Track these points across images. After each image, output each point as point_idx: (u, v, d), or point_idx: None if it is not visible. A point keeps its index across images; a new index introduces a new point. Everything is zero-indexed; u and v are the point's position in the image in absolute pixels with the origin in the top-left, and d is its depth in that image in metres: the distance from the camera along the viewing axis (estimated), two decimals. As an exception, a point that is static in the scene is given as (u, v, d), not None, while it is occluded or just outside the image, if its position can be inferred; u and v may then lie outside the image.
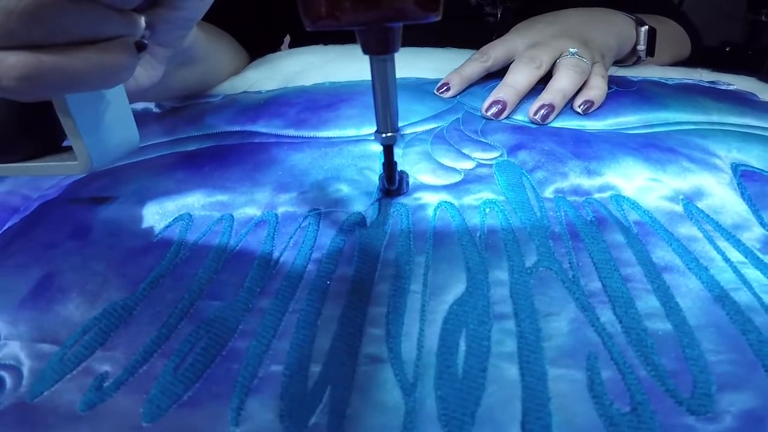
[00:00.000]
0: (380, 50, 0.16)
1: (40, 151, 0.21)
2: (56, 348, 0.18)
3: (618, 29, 0.35)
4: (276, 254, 0.21)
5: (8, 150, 0.20)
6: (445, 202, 0.22)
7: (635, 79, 0.34)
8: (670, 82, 0.34)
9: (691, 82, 0.34)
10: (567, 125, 0.29)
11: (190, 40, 0.28)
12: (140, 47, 0.17)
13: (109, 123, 0.19)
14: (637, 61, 0.37)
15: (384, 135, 0.19)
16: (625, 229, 0.20)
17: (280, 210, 0.23)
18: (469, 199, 0.22)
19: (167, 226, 0.23)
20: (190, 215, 0.23)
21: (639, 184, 0.22)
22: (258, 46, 0.45)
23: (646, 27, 0.35)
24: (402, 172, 0.23)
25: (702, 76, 0.35)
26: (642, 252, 0.19)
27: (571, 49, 0.31)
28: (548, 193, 0.22)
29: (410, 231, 0.21)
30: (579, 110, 0.29)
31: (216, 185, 0.25)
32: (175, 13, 0.20)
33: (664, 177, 0.23)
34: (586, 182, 0.23)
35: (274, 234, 0.22)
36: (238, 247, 0.21)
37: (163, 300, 0.19)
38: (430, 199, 0.22)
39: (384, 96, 0.18)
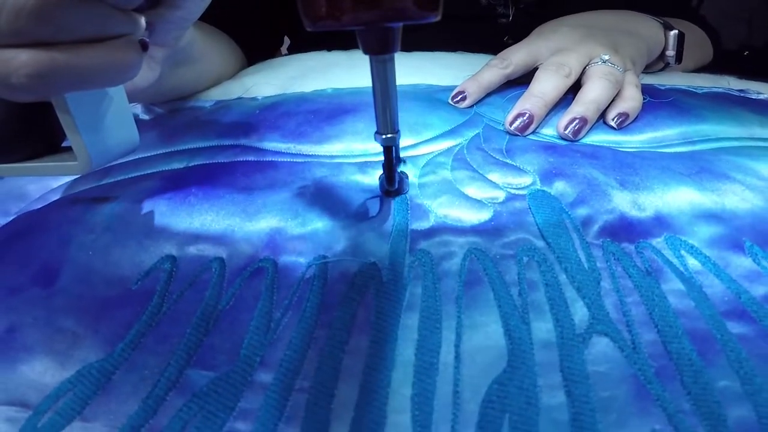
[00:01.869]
0: (380, 50, 0.16)
1: (40, 151, 0.20)
2: (27, 413, 0.15)
3: (647, 33, 0.32)
4: (276, 314, 0.17)
5: (8, 150, 0.20)
6: (475, 249, 0.19)
7: (663, 88, 0.31)
8: (699, 91, 0.31)
9: (720, 90, 0.31)
10: (600, 140, 0.26)
11: (186, 40, 0.27)
12: (144, 46, 0.17)
13: (109, 123, 0.19)
14: (664, 68, 0.34)
15: (384, 136, 0.18)
16: (687, 280, 0.17)
17: (280, 258, 0.20)
18: (503, 245, 0.19)
19: (147, 272, 0.20)
20: (174, 258, 0.20)
21: (696, 223, 0.20)
22: (256, 47, 0.42)
23: (676, 31, 0.32)
24: (401, 173, 0.22)
25: (730, 83, 0.32)
26: (709, 308, 0.16)
27: (603, 56, 0.28)
28: (593, 235, 0.19)
29: (436, 288, 0.17)
30: (613, 124, 0.26)
31: (204, 218, 0.22)
32: (174, 13, 0.20)
33: (723, 213, 0.20)
34: (636, 220, 0.20)
35: (272, 288, 0.18)
36: (230, 303, 0.18)
37: (146, 365, 0.16)
38: (457, 244, 0.19)
39: (384, 97, 0.17)
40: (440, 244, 0.19)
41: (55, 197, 0.25)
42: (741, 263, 0.18)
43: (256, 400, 0.15)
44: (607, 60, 0.27)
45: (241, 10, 0.41)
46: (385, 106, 0.18)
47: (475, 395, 0.14)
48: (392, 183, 0.21)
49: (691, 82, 0.32)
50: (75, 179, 0.26)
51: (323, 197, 0.22)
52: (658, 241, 0.19)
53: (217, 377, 0.16)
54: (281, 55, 0.49)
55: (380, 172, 0.21)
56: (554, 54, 0.29)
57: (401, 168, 0.22)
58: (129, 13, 0.16)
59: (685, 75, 0.33)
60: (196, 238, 0.21)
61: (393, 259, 0.19)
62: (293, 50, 0.49)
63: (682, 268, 0.18)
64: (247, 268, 0.19)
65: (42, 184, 0.26)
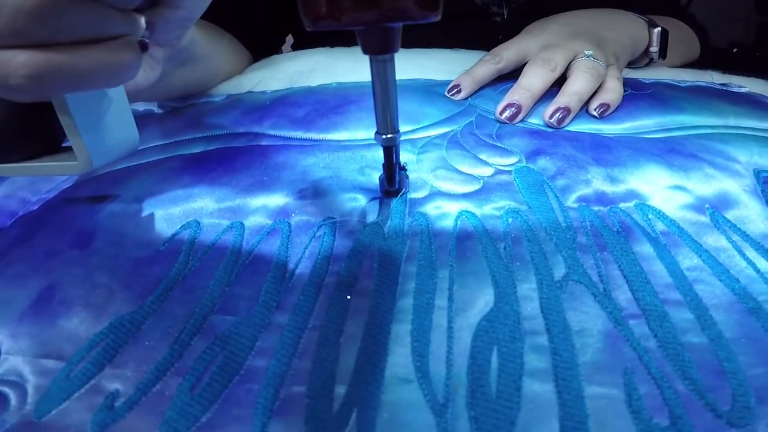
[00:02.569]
0: (380, 50, 0.16)
1: (40, 152, 0.20)
2: (61, 364, 0.17)
3: (631, 31, 0.35)
4: (291, 266, 0.20)
5: (8, 150, 0.20)
6: (466, 211, 0.21)
7: (647, 81, 0.34)
8: (682, 84, 0.34)
9: (703, 84, 0.34)
10: (583, 129, 0.28)
11: (187, 40, 0.27)
12: (143, 47, 0.17)
13: (109, 123, 0.19)
14: (649, 63, 0.37)
15: (384, 136, 0.19)
16: (653, 239, 0.20)
17: (293, 218, 0.22)
18: (491, 208, 0.21)
19: (174, 234, 0.22)
20: (198, 222, 0.22)
21: (663, 192, 0.22)
22: (259, 45, 0.44)
23: (659, 28, 0.35)
24: (401, 172, 0.23)
25: (713, 78, 0.35)
26: (672, 263, 0.19)
27: (586, 51, 0.30)
28: (571, 201, 0.22)
29: (431, 242, 0.20)
30: (595, 113, 0.29)
31: (224, 191, 0.24)
32: (174, 13, 0.20)
33: (688, 184, 0.22)
34: (610, 190, 0.22)
35: (287, 244, 0.21)
36: (250, 258, 0.20)
37: (173, 314, 0.18)
38: (451, 208, 0.22)
39: (384, 97, 0.18)
40: (435, 207, 0.22)
41: (80, 179, 0.27)
42: (702, 226, 0.20)
43: (272, 339, 0.17)
44: (590, 55, 0.30)
45: (244, 10, 0.42)
46: (385, 106, 0.18)
47: (467, 331, 0.16)
48: (392, 183, 0.21)
49: (675, 76, 0.34)
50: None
51: (332, 173, 0.24)
52: (628, 206, 0.21)
53: (238, 321, 0.18)
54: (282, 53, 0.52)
55: (379, 173, 0.22)
56: (542, 50, 0.31)
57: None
58: (128, 13, 0.16)
59: (671, 69, 0.36)
60: (219, 207, 0.23)
61: (393, 219, 0.21)
62: (297, 48, 0.51)
63: (649, 230, 0.20)
64: (265, 228, 0.22)
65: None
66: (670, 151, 0.24)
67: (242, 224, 0.22)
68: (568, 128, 0.28)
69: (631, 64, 0.36)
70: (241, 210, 0.23)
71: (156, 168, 0.26)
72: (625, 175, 0.23)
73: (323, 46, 0.41)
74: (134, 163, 0.28)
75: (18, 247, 0.22)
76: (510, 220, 0.21)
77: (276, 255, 0.20)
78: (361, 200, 0.23)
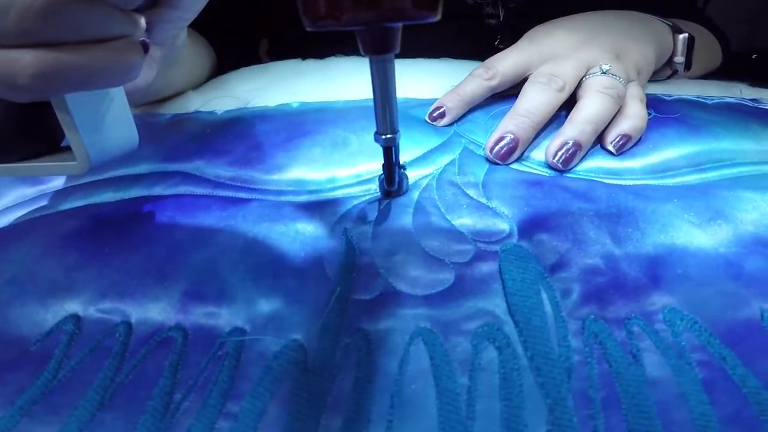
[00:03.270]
0: (380, 50, 0.16)
1: (39, 151, 0.20)
2: None
3: (654, 37, 0.27)
4: (177, 396, 0.15)
5: (7, 150, 0.20)
6: (425, 330, 0.15)
7: (670, 99, 0.27)
8: (709, 102, 0.27)
9: (733, 101, 0.27)
10: (595, 168, 0.22)
11: (182, 39, 0.26)
12: (145, 47, 0.17)
13: (108, 123, 0.19)
14: (672, 75, 0.29)
15: (384, 137, 0.18)
16: (682, 371, 0.13)
17: (192, 326, 0.16)
18: (461, 320, 0.15)
19: (47, 333, 0.17)
20: (78, 318, 0.17)
21: (705, 293, 0.15)
22: (228, 50, 0.40)
23: (685, 35, 0.27)
24: (401, 173, 0.21)
25: (742, 92, 0.27)
26: (705, 414, 0.12)
27: (603, 65, 0.23)
28: (573, 306, 0.15)
29: (369, 383, 0.14)
30: (612, 149, 0.22)
31: (116, 276, 0.18)
32: (172, 12, 0.20)
33: (741, 276, 0.16)
34: (632, 288, 0.16)
35: (177, 363, 0.15)
36: (130, 377, 0.15)
37: None
38: (405, 320, 0.15)
39: (384, 97, 0.17)
40: (384, 318, 0.16)
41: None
42: (758, 342, 0.14)
43: None
44: (607, 70, 0.23)
45: (215, 12, 0.38)
46: (384, 106, 0.18)
47: None
48: (392, 183, 0.20)
49: (701, 91, 0.27)
50: None
51: (257, 253, 0.19)
52: (655, 317, 0.15)
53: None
54: (258, 59, 0.46)
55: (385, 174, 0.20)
56: (547, 62, 0.24)
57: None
58: (129, 13, 0.16)
59: (695, 83, 0.29)
60: (104, 296, 0.18)
61: (323, 339, 0.15)
62: (272, 54, 0.45)
63: (679, 353, 0.14)
64: (154, 336, 0.16)
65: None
66: (715, 218, 0.18)
67: (129, 326, 0.17)
68: (577, 169, 0.22)
69: (651, 77, 0.29)
70: (132, 303, 0.17)
71: (46, 231, 0.21)
72: (655, 262, 0.16)
73: (299, 52, 0.35)
74: (36, 215, 0.23)
75: None
76: (483, 345, 0.15)
77: (163, 378, 0.15)
78: (286, 298, 0.17)
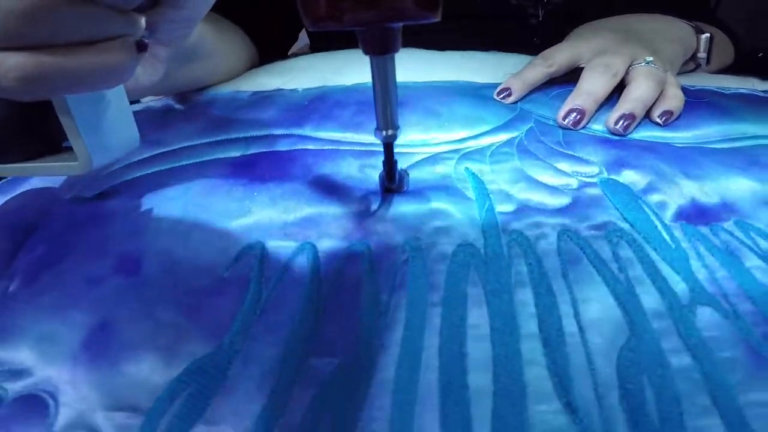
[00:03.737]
0: (380, 50, 0.16)
1: (40, 152, 0.20)
2: (139, 418, 0.14)
3: (682, 37, 0.34)
4: (383, 296, 0.17)
5: (8, 150, 0.20)
6: (568, 230, 0.20)
7: (693, 89, 0.33)
8: (726, 92, 0.33)
9: (746, 91, 0.33)
10: (650, 137, 0.27)
11: (194, 38, 0.26)
12: (141, 47, 0.16)
13: (109, 122, 0.19)
14: (695, 69, 0.36)
15: (384, 133, 0.19)
16: (763, 257, 0.19)
17: (373, 239, 0.20)
18: (591, 227, 0.20)
19: (236, 259, 0.19)
20: (262, 243, 0.20)
21: (759, 209, 0.21)
22: (269, 43, 0.42)
23: (707, 35, 0.34)
24: (402, 170, 0.22)
25: (755, 85, 0.34)
26: None
27: (647, 58, 0.29)
28: (669, 218, 0.20)
29: (541, 265, 0.18)
30: (659, 121, 0.28)
31: (285, 204, 0.21)
32: (177, 12, 0.20)
33: None
34: (707, 206, 0.21)
35: (372, 270, 0.18)
36: (334, 287, 0.18)
37: (262, 357, 0.16)
38: (548, 225, 0.20)
39: (384, 95, 0.18)
40: (532, 225, 0.20)
41: (108, 182, 0.24)
42: None
43: (387, 384, 0.15)
44: (650, 61, 0.29)
45: (254, 5, 0.40)
46: (385, 103, 0.18)
47: (608, 362, 0.15)
48: (392, 179, 0.21)
49: (718, 83, 0.34)
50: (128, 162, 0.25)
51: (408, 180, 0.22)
52: (728, 225, 0.20)
53: (341, 363, 0.15)
54: (295, 54, 0.49)
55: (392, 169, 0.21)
56: (598, 55, 0.30)
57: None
58: (127, 13, 0.16)
59: (713, 76, 0.36)
60: (282, 222, 0.20)
61: (488, 239, 0.19)
62: (314, 47, 0.48)
63: (756, 248, 0.19)
64: (340, 251, 0.19)
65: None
66: (753, 164, 0.24)
67: (314, 246, 0.19)
68: (635, 136, 0.27)
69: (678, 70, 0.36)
70: (309, 227, 0.20)
71: (198, 174, 0.23)
72: (717, 189, 0.22)
73: (340, 46, 0.39)
74: (168, 166, 0.25)
75: (48, 271, 0.19)
76: (615, 239, 0.19)
77: (364, 283, 0.18)
78: (442, 217, 0.21)
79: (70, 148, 0.18)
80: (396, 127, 0.19)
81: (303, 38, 0.52)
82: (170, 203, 0.21)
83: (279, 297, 0.18)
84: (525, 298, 0.17)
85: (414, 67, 0.34)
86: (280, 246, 0.20)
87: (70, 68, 0.14)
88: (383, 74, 0.17)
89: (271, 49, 0.42)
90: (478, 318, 0.16)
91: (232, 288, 0.18)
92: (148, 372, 0.15)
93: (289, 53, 0.49)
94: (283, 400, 0.14)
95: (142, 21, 0.17)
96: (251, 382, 0.15)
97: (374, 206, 0.21)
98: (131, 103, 0.21)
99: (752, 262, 0.18)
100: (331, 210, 0.21)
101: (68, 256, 0.19)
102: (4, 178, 0.25)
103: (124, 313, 0.17)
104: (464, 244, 0.19)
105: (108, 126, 0.19)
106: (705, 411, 0.14)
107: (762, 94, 0.32)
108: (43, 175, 0.23)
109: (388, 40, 0.16)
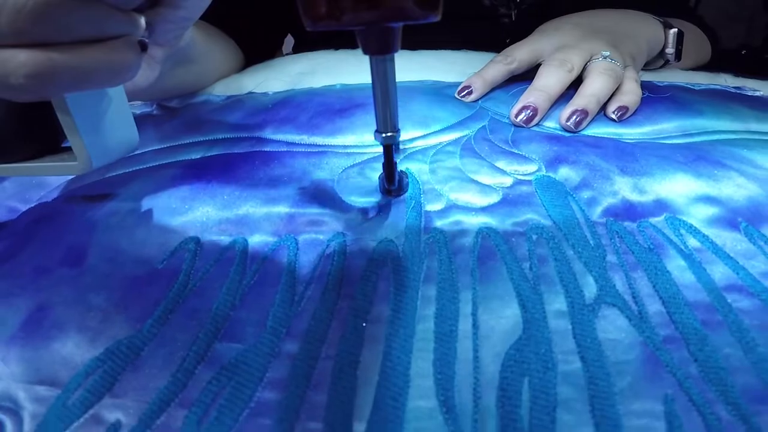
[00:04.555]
0: (380, 50, 0.16)
1: (40, 152, 0.20)
2: (56, 391, 0.16)
3: (647, 31, 0.33)
4: (300, 287, 0.18)
5: (8, 150, 0.20)
6: (487, 227, 0.20)
7: (662, 84, 0.33)
8: (697, 87, 0.32)
9: (718, 87, 0.32)
10: (601, 133, 0.27)
11: (186, 40, 0.27)
12: (143, 47, 0.17)
13: (109, 123, 0.19)
14: (664, 65, 0.35)
15: (384, 135, 0.19)
16: (687, 256, 0.18)
17: (300, 235, 0.21)
18: (513, 223, 0.20)
19: (172, 252, 0.20)
20: (198, 238, 0.21)
21: (694, 205, 0.21)
22: (254, 47, 0.43)
23: (675, 30, 0.33)
24: (401, 172, 0.22)
25: (726, 81, 0.33)
26: (709, 282, 0.17)
27: (604, 52, 0.29)
28: (597, 215, 0.20)
29: (451, 262, 0.18)
30: (613, 116, 0.27)
31: (225, 203, 0.22)
32: (174, 12, 0.20)
33: (720, 196, 0.21)
34: (638, 202, 0.21)
35: (295, 263, 0.19)
36: (255, 278, 0.19)
37: (175, 340, 0.17)
38: (470, 223, 0.20)
39: (384, 96, 0.17)
40: (453, 223, 0.20)
41: (74, 186, 0.26)
42: (737, 242, 0.19)
43: (283, 369, 0.16)
44: (607, 56, 0.29)
45: (240, 10, 0.41)
46: (385, 105, 0.18)
47: (494, 360, 0.15)
48: (392, 181, 0.21)
49: (689, 79, 0.33)
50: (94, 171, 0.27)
51: (341, 184, 0.23)
52: (658, 221, 0.20)
53: (245, 349, 0.16)
54: (282, 56, 0.50)
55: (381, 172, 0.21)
56: (557, 50, 0.30)
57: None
58: (128, 13, 0.16)
59: (684, 72, 0.35)
60: (219, 220, 0.22)
61: (409, 236, 0.20)
62: (298, 50, 0.49)
63: (682, 246, 0.19)
64: (269, 245, 0.20)
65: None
66: (697, 159, 0.23)
67: (245, 240, 0.21)
68: (586, 132, 0.27)
69: (646, 66, 0.35)
70: (244, 224, 0.21)
71: (153, 176, 0.25)
72: (652, 186, 0.22)
73: (325, 48, 0.40)
74: (130, 169, 0.26)
75: (6, 263, 0.21)
76: (534, 236, 0.19)
77: (283, 275, 0.19)
78: (371, 213, 0.21)
79: (69, 148, 0.19)
80: (396, 129, 0.18)
81: (290, 41, 0.54)
82: (122, 203, 0.23)
83: (203, 287, 0.19)
84: (429, 293, 0.17)
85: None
86: (214, 240, 0.21)
87: (78, 65, 0.15)
88: (383, 75, 0.17)
89: (256, 53, 0.43)
90: (379, 312, 0.17)
91: (162, 278, 0.19)
92: (72, 351, 0.17)
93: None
94: (184, 379, 0.16)
95: (142, 21, 0.17)
96: (159, 362, 0.16)
97: (318, 204, 0.22)
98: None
99: (674, 261, 0.18)
100: (267, 208, 0.22)
101: (24, 250, 0.21)
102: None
103: (59, 299, 0.19)
104: (385, 241, 0.20)
105: (107, 126, 0.19)
106: (580, 420, 0.14)
107: (732, 90, 0.31)
108: (42, 175, 0.24)
109: (388, 40, 0.15)
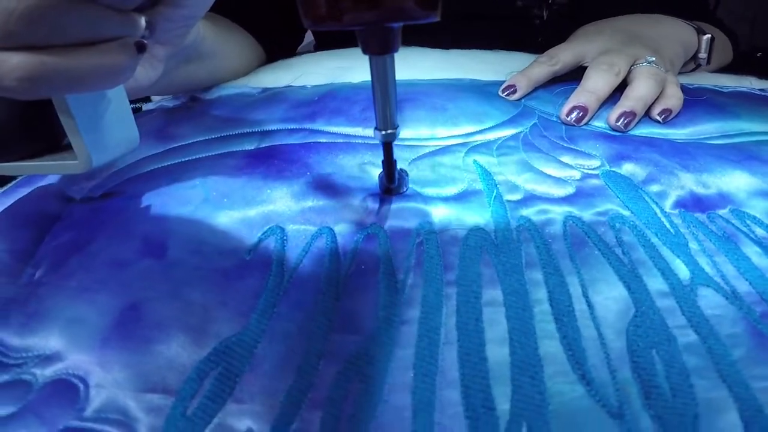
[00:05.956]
0: (380, 50, 0.16)
1: (41, 150, 0.20)
2: (170, 399, 0.15)
3: (683, 37, 0.35)
4: (400, 275, 0.18)
5: (8, 149, 0.20)
6: (573, 216, 0.21)
7: (692, 87, 0.35)
8: (724, 90, 0.34)
9: (744, 90, 0.35)
10: (649, 132, 0.28)
11: (192, 37, 0.27)
12: (140, 47, 0.16)
13: (109, 122, 0.19)
14: (695, 69, 0.37)
15: (383, 132, 0.19)
16: (758, 242, 0.20)
17: (387, 223, 0.21)
18: (595, 213, 0.21)
19: (259, 241, 0.20)
20: (282, 228, 0.21)
21: (754, 199, 0.22)
22: (274, 43, 0.42)
23: (709, 35, 0.36)
24: (401, 170, 0.22)
25: (752, 83, 0.36)
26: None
27: (649, 57, 0.30)
28: (669, 207, 0.22)
29: (548, 248, 0.19)
30: (658, 118, 0.29)
31: (302, 192, 0.22)
32: (176, 12, 0.20)
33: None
34: (704, 195, 0.22)
35: (389, 251, 0.19)
36: (352, 268, 0.19)
37: (288, 335, 0.17)
38: (554, 212, 0.21)
39: (384, 94, 0.18)
40: (539, 212, 0.21)
41: (128, 175, 0.24)
42: None
43: (407, 358, 0.16)
44: (652, 61, 0.30)
45: (260, 5, 0.41)
46: (384, 103, 0.18)
47: (618, 336, 0.16)
48: (392, 180, 0.21)
49: (716, 82, 0.35)
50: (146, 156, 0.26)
51: (417, 171, 0.23)
52: (724, 212, 0.21)
53: (364, 340, 0.16)
54: (300, 53, 0.50)
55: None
56: (602, 54, 0.31)
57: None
58: (126, 13, 0.16)
59: (711, 75, 0.37)
60: (300, 209, 0.21)
61: (498, 224, 0.20)
62: (320, 47, 0.49)
63: (752, 235, 0.20)
64: (357, 234, 0.20)
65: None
66: (749, 158, 0.25)
67: (332, 230, 0.20)
68: (633, 132, 0.28)
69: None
70: (326, 213, 0.21)
71: (216, 164, 0.24)
72: (714, 181, 0.23)
73: (348, 44, 0.39)
74: (185, 159, 0.25)
75: (75, 255, 0.20)
76: (618, 225, 0.20)
77: (381, 264, 0.19)
78: (452, 203, 0.22)
79: (69, 147, 0.19)
80: (395, 127, 0.19)
81: (308, 36, 0.53)
82: (190, 192, 0.22)
83: (300, 278, 0.18)
84: (535, 277, 0.18)
85: (419, 65, 0.35)
86: (300, 230, 0.20)
87: (71, 68, 0.14)
88: (383, 74, 0.17)
89: (277, 48, 0.42)
90: (492, 296, 0.17)
91: (255, 270, 0.19)
92: (177, 352, 0.16)
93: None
94: (310, 377, 0.15)
95: (142, 21, 0.17)
96: (278, 360, 0.16)
97: (385, 197, 0.22)
98: (131, 102, 0.21)
99: (748, 247, 0.20)
100: (347, 199, 0.22)
101: (94, 241, 0.20)
102: (15, 178, 0.25)
103: (152, 295, 0.18)
104: (475, 229, 0.20)
105: (108, 125, 0.19)
106: (714, 385, 0.14)
107: (758, 93, 0.33)
108: (42, 174, 0.24)
109: (388, 40, 0.16)
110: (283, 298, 0.18)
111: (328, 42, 0.45)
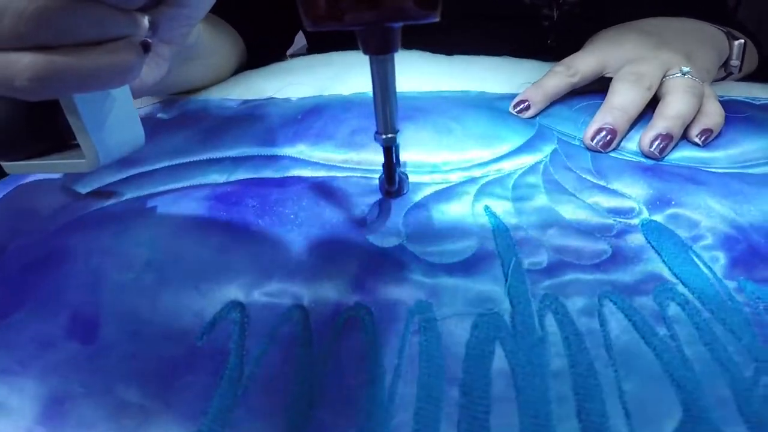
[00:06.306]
0: (380, 51, 0.16)
1: (48, 149, 0.21)
2: None
3: (716, 42, 0.30)
4: (389, 377, 0.14)
5: (17, 148, 0.20)
6: (611, 295, 0.16)
7: (721, 99, 0.30)
8: (756, 103, 0.30)
9: None
10: (685, 158, 0.24)
11: (194, 36, 0.26)
12: (146, 47, 0.16)
13: (116, 121, 0.19)
14: (726, 77, 0.33)
15: (384, 136, 0.18)
16: None
17: (375, 303, 0.16)
18: (636, 283, 0.17)
19: (212, 324, 0.16)
20: (242, 305, 0.16)
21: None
22: (261, 43, 0.39)
23: (741, 41, 0.31)
24: (401, 172, 0.21)
25: None
26: None
27: (684, 68, 0.26)
28: (726, 272, 0.17)
29: (581, 340, 0.15)
30: (697, 141, 0.25)
31: (270, 253, 0.18)
32: (179, 11, 0.20)
33: None
34: (766, 253, 0.18)
35: (376, 343, 0.15)
36: (329, 364, 0.15)
37: None
38: (587, 285, 0.17)
39: (384, 97, 0.17)
40: (567, 285, 0.17)
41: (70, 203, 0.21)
42: None
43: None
44: (687, 72, 0.26)
45: (249, 4, 0.38)
46: (385, 106, 0.18)
47: None
48: (392, 183, 0.20)
49: (747, 93, 0.30)
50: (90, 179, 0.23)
51: (412, 224, 0.19)
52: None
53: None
54: (287, 56, 0.45)
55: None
56: (628, 63, 0.27)
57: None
58: (131, 13, 0.16)
59: (738, 84, 0.32)
60: (267, 277, 0.17)
61: (516, 306, 0.16)
62: (312, 49, 0.45)
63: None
64: (336, 317, 0.16)
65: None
66: None
67: (305, 309, 0.16)
68: (670, 160, 0.24)
69: None
70: (299, 282, 0.17)
71: (170, 209, 0.20)
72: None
73: (340, 47, 0.35)
74: (141, 193, 0.21)
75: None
76: (666, 301, 0.16)
77: (366, 360, 0.15)
78: (460, 270, 0.17)
79: (77, 146, 0.19)
80: (396, 131, 0.18)
81: (301, 39, 0.49)
82: (134, 251, 0.18)
83: (264, 374, 0.15)
84: (562, 387, 0.14)
85: (420, 74, 0.31)
86: (265, 307, 0.16)
87: (81, 67, 0.15)
88: (383, 75, 0.17)
89: (263, 49, 0.39)
90: (505, 411, 0.13)
91: (207, 361, 0.15)
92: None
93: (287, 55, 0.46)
94: None
95: (146, 21, 0.17)
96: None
97: (390, 256, 0.18)
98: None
99: None
100: (326, 262, 0.18)
101: (20, 307, 0.16)
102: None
103: (78, 390, 0.14)
104: (487, 314, 0.16)
105: (114, 124, 0.19)
106: None
107: None
108: (50, 172, 0.24)
109: (388, 40, 0.15)
110: (241, 400, 0.14)
111: (320, 45, 0.41)
